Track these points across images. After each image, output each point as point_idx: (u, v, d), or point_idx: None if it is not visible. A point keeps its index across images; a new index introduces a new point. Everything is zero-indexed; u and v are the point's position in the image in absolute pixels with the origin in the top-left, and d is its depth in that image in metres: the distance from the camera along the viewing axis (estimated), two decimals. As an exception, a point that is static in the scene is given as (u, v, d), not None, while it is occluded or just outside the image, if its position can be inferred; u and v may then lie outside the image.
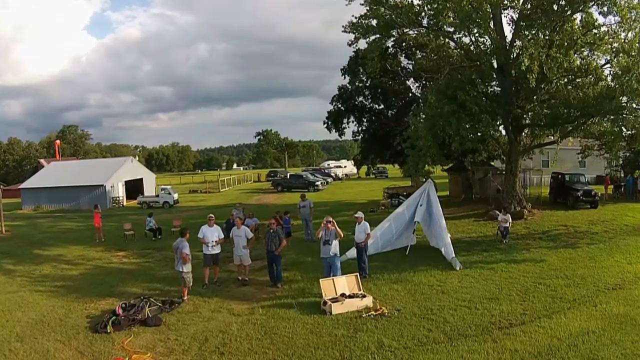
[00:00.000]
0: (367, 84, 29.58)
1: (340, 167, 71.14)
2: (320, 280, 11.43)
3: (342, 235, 12.59)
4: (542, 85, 20.84)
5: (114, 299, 12.31)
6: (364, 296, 11.02)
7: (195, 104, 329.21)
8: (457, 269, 13.89)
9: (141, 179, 51.44)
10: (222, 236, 13.50)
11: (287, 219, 20.04)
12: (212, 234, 13.26)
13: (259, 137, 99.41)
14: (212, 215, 14.05)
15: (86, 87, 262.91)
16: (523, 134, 24.29)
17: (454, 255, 14.65)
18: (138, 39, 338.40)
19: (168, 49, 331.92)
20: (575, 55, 19.81)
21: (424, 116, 20.16)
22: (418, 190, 17.92)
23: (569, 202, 24.61)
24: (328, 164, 77.04)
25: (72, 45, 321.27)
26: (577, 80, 21.27)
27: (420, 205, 17.02)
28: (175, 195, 43.29)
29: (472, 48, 22.25)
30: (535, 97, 22.16)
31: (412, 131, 19.33)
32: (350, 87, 29.98)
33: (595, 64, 20.19)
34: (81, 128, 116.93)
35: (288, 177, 52.83)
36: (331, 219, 12.48)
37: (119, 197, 46.14)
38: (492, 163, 33.49)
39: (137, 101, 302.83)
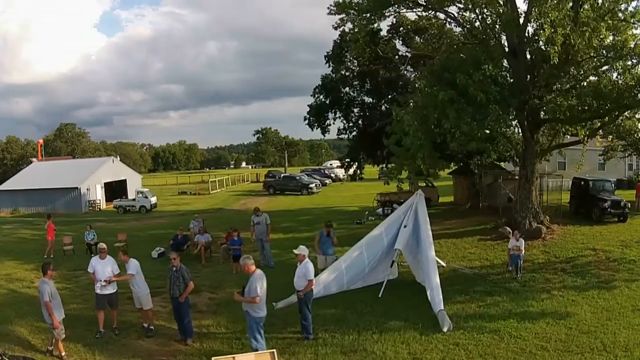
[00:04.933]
0: (355, 73, 25.24)
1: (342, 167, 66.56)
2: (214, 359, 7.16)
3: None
4: (567, 68, 16.32)
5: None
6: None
7: (206, 102, 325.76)
8: (445, 330, 9.50)
9: (124, 181, 48.00)
10: (117, 271, 10.46)
11: (237, 239, 15.94)
12: (103, 269, 10.23)
13: (258, 135, 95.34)
14: (104, 245, 10.92)
15: (96, 85, 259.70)
16: (540, 131, 19.85)
17: (442, 307, 10.22)
18: (148, 37, 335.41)
19: (178, 47, 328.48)
20: (607, 32, 15.54)
21: (412, 106, 15.67)
22: (402, 206, 13.58)
23: (594, 214, 20.18)
24: (330, 164, 72.57)
25: (81, 43, 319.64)
26: (610, 63, 16.78)
27: (404, 227, 12.68)
28: (153, 199, 40.16)
29: (477, 24, 17.83)
30: (556, 85, 17.71)
31: (397, 125, 14.94)
32: (334, 75, 25.59)
33: (632, 43, 15.83)
34: (80, 126, 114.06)
35: (281, 178, 48.53)
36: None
37: (95, 201, 42.68)
38: (504, 166, 29.08)
39: (147, 99, 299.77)
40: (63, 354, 9.06)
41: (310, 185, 44.85)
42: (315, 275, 11.53)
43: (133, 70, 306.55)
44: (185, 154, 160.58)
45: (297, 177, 47.95)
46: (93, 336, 10.02)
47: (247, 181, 65.84)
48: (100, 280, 10.13)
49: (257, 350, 8.23)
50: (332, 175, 58.64)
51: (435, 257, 13.56)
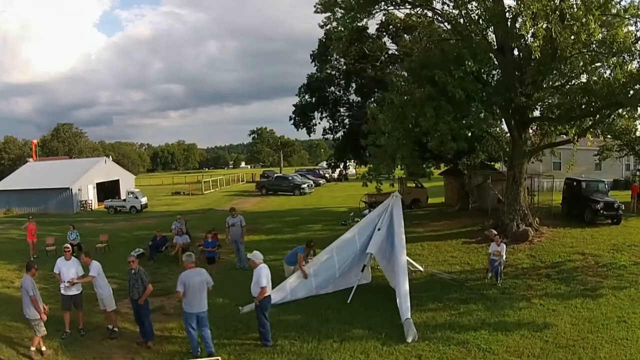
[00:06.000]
0: (341, 72, 24.66)
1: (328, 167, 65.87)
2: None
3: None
4: (555, 64, 15.65)
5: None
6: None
7: (206, 101, 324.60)
8: (409, 340, 8.91)
9: (117, 181, 47.61)
10: (81, 273, 10.61)
11: (212, 241, 15.44)
12: (67, 270, 10.46)
13: (253, 135, 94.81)
14: (69, 246, 11.18)
15: (96, 84, 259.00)
16: (530, 130, 19.20)
17: (409, 315, 9.62)
18: (148, 37, 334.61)
19: (178, 47, 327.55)
20: (597, 26, 14.88)
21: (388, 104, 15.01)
22: (377, 209, 12.97)
23: (586, 216, 19.46)
24: (327, 164, 72.01)
25: (81, 43, 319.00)
26: (601, 59, 16.10)
27: (378, 230, 12.09)
28: (144, 200, 39.91)
29: (461, 20, 17.21)
30: (544, 83, 17.07)
31: (373, 124, 14.34)
32: (320, 74, 24.98)
33: (624, 38, 15.16)
34: (80, 126, 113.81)
35: (273, 178, 48.01)
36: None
37: (87, 201, 42.31)
38: (497, 166, 28.48)
39: (147, 99, 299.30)
40: (43, 348, 9.38)
41: (303, 186, 44.42)
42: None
43: (133, 70, 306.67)
44: (184, 153, 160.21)
45: (290, 178, 47.51)
46: (60, 337, 10.07)
47: (242, 181, 65.30)
48: (64, 282, 10.24)
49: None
50: (327, 175, 58.01)
51: (412, 261, 13.05)
